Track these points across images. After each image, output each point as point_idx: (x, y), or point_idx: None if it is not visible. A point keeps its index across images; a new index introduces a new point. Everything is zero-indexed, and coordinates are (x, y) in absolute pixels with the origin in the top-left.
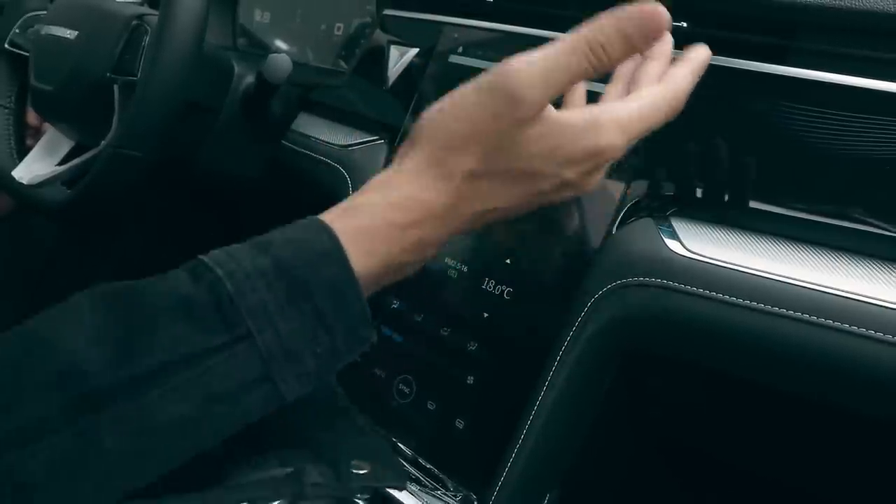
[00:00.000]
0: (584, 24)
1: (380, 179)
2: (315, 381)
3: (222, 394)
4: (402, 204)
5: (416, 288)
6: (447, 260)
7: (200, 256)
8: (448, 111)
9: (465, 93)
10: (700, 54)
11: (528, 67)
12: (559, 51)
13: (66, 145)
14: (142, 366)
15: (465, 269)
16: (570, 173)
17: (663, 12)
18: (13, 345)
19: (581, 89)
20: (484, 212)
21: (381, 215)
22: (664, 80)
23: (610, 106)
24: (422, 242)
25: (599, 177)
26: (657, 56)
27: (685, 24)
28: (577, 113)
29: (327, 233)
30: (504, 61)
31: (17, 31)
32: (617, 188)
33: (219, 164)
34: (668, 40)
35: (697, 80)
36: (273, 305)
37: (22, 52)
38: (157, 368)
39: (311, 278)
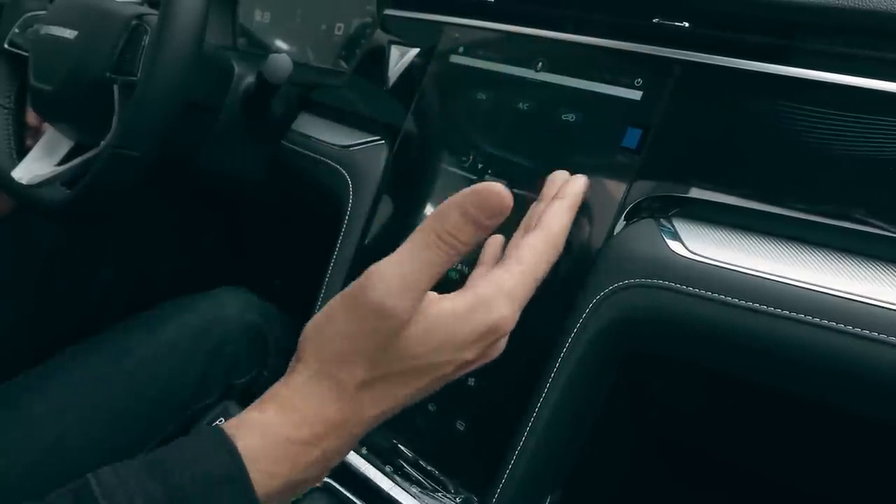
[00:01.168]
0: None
1: (275, 396)
2: None
3: None
4: (302, 421)
5: None
6: None
7: (88, 477)
8: (325, 328)
9: (334, 310)
10: (575, 187)
11: (386, 279)
12: (412, 249)
13: (65, 145)
14: None
15: (466, 270)
16: (468, 354)
17: (499, 189)
18: None
19: (496, 239)
20: (386, 411)
21: (284, 434)
22: (540, 226)
23: (491, 277)
24: (325, 457)
25: (504, 343)
26: (539, 208)
27: (686, 24)
28: (459, 298)
29: (229, 452)
30: (364, 274)
31: (16, 30)
32: (618, 189)
33: (219, 164)
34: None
35: (574, 214)
36: None
37: (21, 52)
38: None
39: None
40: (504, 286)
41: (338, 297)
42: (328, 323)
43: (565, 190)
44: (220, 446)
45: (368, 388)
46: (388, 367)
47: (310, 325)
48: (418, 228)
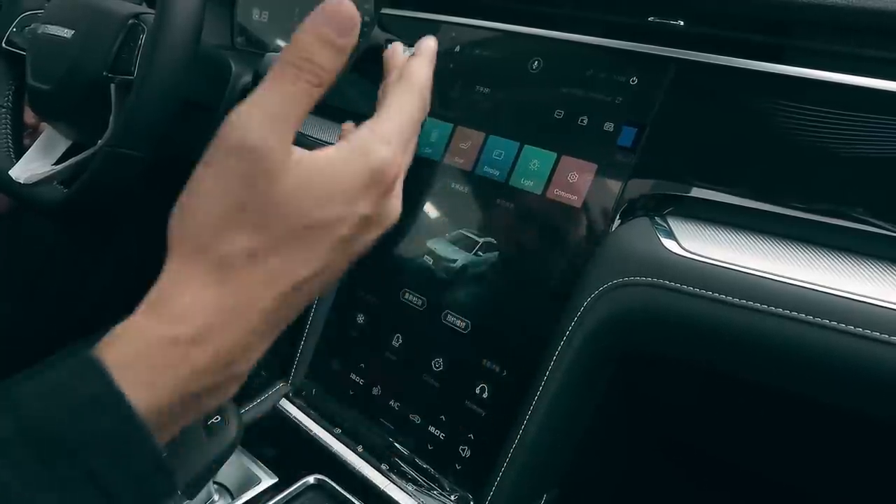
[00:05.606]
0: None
1: (149, 297)
2: None
3: None
4: (180, 315)
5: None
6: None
7: None
8: (191, 203)
9: (197, 177)
10: (428, 44)
11: (244, 117)
12: (270, 85)
13: (63, 144)
14: None
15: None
16: (361, 208)
17: (346, 3)
18: None
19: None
20: (290, 291)
21: (157, 334)
22: (402, 78)
23: (363, 126)
24: (219, 359)
25: (398, 201)
26: (394, 66)
27: (681, 23)
28: (334, 147)
29: (94, 370)
30: (222, 123)
31: (14, 29)
32: (614, 187)
33: None
34: (396, 50)
35: (433, 67)
36: (18, 485)
37: (19, 51)
38: None
39: (73, 434)
40: (377, 130)
41: (198, 164)
42: (193, 195)
43: (420, 47)
44: (83, 368)
45: (258, 261)
46: (273, 231)
47: (174, 211)
48: (274, 64)
